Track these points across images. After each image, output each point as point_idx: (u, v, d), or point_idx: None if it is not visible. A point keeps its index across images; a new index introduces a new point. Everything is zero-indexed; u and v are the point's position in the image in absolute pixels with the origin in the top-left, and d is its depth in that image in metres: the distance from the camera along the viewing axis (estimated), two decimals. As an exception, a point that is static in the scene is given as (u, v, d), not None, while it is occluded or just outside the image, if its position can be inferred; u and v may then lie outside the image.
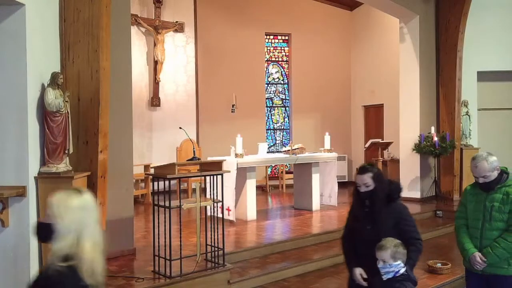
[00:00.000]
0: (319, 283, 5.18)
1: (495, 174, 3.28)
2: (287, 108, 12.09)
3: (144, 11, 9.99)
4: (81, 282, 1.95)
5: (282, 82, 12.08)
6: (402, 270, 2.89)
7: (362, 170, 3.13)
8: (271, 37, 11.93)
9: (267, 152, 8.89)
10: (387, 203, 3.08)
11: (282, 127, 12.09)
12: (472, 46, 9.08)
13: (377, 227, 3.04)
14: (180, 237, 4.66)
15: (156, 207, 4.76)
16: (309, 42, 11.80)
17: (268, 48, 11.92)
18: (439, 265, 5.52)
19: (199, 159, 5.30)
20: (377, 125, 11.35)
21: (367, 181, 3.06)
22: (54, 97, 4.35)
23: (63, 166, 4.46)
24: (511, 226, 3.23)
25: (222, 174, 5.01)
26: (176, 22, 10.25)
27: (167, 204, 4.57)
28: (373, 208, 3.08)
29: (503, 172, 3.34)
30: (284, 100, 12.10)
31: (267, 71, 11.88)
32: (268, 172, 11.19)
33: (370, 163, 3.26)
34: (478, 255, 3.30)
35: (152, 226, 4.78)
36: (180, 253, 4.60)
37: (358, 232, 3.18)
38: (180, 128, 6.09)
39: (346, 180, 11.69)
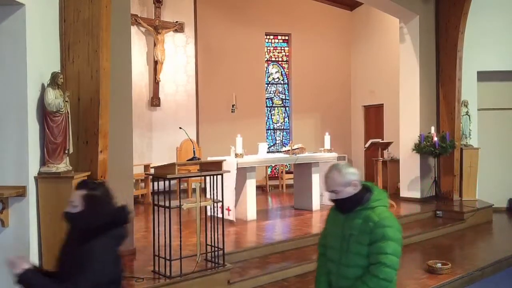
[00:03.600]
0: (319, 283, 5.17)
1: (349, 190, 2.50)
2: (287, 108, 12.09)
3: (144, 11, 9.99)
4: None
5: (282, 82, 12.08)
6: None
7: (79, 185, 2.46)
8: (271, 37, 11.93)
9: (267, 152, 8.89)
10: (89, 238, 2.32)
11: (282, 127, 12.09)
12: (472, 46, 9.07)
13: (63, 270, 2.36)
14: (180, 237, 4.66)
15: (156, 207, 4.75)
16: (309, 42, 11.80)
17: (268, 48, 11.92)
18: (439, 265, 5.51)
19: (199, 159, 5.30)
20: (377, 125, 11.35)
21: (74, 200, 2.37)
22: (54, 97, 4.35)
23: (63, 166, 4.46)
24: (373, 265, 2.42)
25: (222, 174, 5.01)
26: (176, 22, 10.25)
27: (167, 204, 4.57)
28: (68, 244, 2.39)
29: (366, 190, 2.56)
30: (284, 100, 12.09)
31: (267, 71, 11.88)
32: (268, 172, 11.18)
33: (98, 181, 2.48)
34: None
35: (152, 226, 4.78)
36: (180, 253, 4.60)
37: None
38: (180, 128, 6.08)
39: (346, 180, 11.68)
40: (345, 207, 2.55)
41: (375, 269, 2.40)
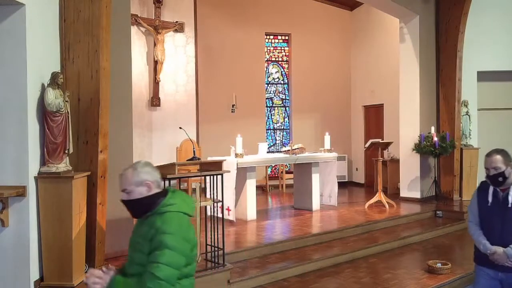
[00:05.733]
0: (319, 283, 5.18)
1: (141, 191, 2.29)
2: (287, 108, 12.09)
3: (144, 11, 9.99)
4: None
5: (282, 82, 12.08)
6: None
7: None
8: (271, 37, 11.93)
9: (267, 152, 8.89)
10: None
11: (282, 127, 12.09)
12: (472, 46, 9.08)
13: None
14: (180, 237, 4.66)
15: (156, 207, 4.75)
16: (309, 42, 11.81)
17: (268, 48, 11.92)
18: (439, 265, 5.51)
19: (199, 159, 5.30)
20: (377, 125, 11.35)
21: None
22: (54, 97, 4.35)
23: (63, 166, 4.46)
24: (145, 274, 2.16)
25: (222, 174, 5.01)
26: (176, 22, 10.25)
27: (167, 204, 4.56)
28: None
29: (160, 194, 2.35)
30: (284, 100, 12.09)
31: (267, 71, 11.88)
32: (268, 172, 11.18)
33: None
34: None
35: (152, 226, 4.77)
36: (180, 253, 4.59)
37: None
38: (180, 128, 6.09)
39: (346, 180, 11.71)
40: (134, 210, 2.33)
41: (146, 278, 2.15)
